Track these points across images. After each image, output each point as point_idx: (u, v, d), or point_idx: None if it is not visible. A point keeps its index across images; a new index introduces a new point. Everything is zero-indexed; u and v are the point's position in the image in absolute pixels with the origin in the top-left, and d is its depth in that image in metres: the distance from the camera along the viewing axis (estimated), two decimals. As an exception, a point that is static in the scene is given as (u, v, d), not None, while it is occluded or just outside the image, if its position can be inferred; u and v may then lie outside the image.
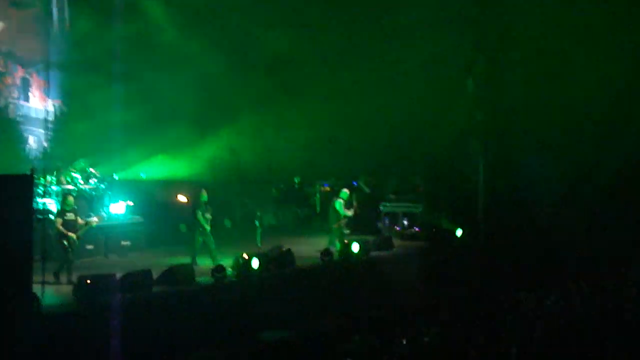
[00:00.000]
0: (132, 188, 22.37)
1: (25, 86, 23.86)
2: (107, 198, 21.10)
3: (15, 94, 23.23)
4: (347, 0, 27.12)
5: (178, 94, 24.52)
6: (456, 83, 26.88)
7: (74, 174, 20.79)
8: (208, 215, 19.81)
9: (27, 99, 23.43)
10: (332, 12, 27.17)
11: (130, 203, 21.41)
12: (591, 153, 26.11)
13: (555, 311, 14.80)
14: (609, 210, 25.15)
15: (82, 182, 20.81)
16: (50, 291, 15.04)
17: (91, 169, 21.36)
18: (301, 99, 27.06)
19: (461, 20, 26.73)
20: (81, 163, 21.44)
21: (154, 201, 23.58)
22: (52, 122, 23.78)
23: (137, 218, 21.18)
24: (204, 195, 19.62)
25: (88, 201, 20.35)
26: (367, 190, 26.06)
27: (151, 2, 24.18)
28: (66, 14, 24.30)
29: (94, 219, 17.82)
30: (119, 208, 21.08)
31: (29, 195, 14.39)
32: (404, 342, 12.60)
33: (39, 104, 23.69)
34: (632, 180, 26.23)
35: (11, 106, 23.21)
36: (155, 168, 24.15)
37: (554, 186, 25.78)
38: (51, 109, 23.66)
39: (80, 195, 19.89)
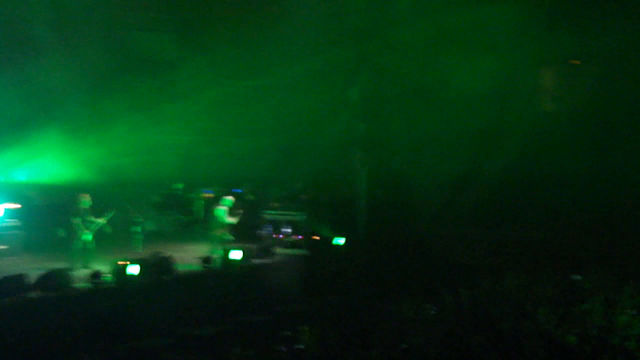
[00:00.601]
0: (11, 191, 21.81)
1: None
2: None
3: None
4: (235, 8, 27.26)
5: (59, 95, 24.17)
6: (340, 94, 27.34)
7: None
8: (93, 220, 19.66)
9: None
10: (220, 18, 27.31)
11: (17, 205, 20.93)
12: (469, 162, 26.94)
13: (432, 319, 15.13)
14: (488, 219, 25.95)
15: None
16: None
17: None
18: (185, 104, 27.04)
19: (346, 32, 27.23)
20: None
21: (33, 205, 23.05)
22: None
23: (14, 222, 20.66)
24: (85, 201, 19.34)
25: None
26: (251, 197, 26.00)
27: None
28: None
29: None
30: (-5, 211, 20.47)
31: None
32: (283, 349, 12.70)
33: None
34: (511, 187, 27.11)
35: None
36: (35, 171, 23.72)
37: (433, 195, 26.40)
38: None
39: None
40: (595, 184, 26.21)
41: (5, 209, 20.78)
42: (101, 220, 20.18)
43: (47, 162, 23.89)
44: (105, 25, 25.98)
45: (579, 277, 19.98)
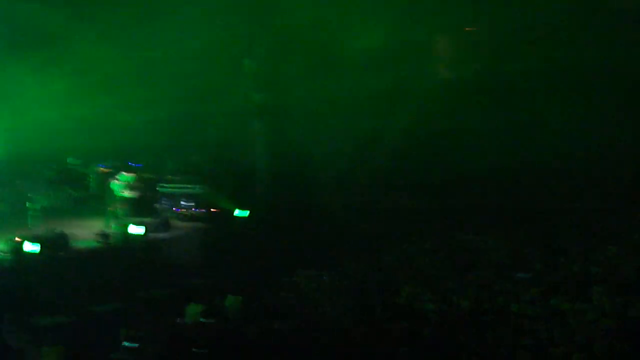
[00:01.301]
0: None
1: None
2: None
3: None
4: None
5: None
6: (236, 63, 27.63)
7: None
8: None
9: None
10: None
11: None
12: (368, 129, 27.54)
13: (334, 290, 15.54)
14: (388, 191, 26.53)
15: None
16: None
17: None
18: (78, 76, 26.82)
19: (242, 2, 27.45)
20: None
21: None
22: None
23: None
24: None
25: None
26: (147, 172, 26.05)
27: None
28: None
29: None
30: None
31: None
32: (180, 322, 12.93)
33: None
34: (412, 153, 27.79)
35: None
36: None
37: (333, 166, 26.88)
38: None
39: None
40: (494, 144, 27.09)
41: None
42: None
43: None
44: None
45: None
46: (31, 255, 18.20)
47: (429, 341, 12.04)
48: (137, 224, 21.75)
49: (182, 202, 25.59)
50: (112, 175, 24.00)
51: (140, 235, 21.43)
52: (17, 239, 18.44)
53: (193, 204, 25.65)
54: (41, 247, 18.66)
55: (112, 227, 21.71)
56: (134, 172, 24.48)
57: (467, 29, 29.65)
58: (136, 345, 11.90)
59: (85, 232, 21.36)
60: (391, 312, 13.48)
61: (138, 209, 23.93)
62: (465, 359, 11.36)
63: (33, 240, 18.54)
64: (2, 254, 18.09)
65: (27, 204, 22.63)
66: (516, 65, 27.61)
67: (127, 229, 21.26)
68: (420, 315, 13.27)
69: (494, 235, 20.12)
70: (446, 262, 17.57)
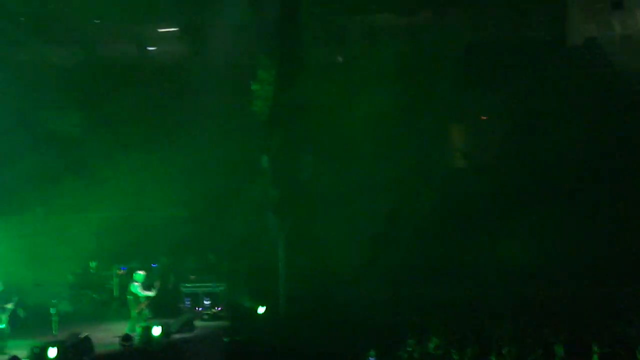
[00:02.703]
0: None
1: None
2: None
3: None
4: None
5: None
6: (253, 162, 28.49)
7: None
8: (9, 306, 19.92)
9: None
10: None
11: None
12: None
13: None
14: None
15: None
16: None
17: None
18: (93, 179, 27.68)
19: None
20: None
21: None
22: None
23: None
24: None
25: None
26: (167, 271, 26.77)
27: None
28: None
29: None
30: None
31: None
32: None
33: None
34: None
35: None
36: None
37: (351, 260, 27.19)
38: None
39: None
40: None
41: None
42: (10, 306, 20.26)
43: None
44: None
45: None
46: (53, 361, 18.35)
47: None
48: (159, 325, 21.58)
49: (204, 302, 25.86)
50: (133, 276, 23.78)
51: (163, 336, 21.31)
52: (38, 345, 18.52)
53: (213, 302, 25.90)
54: (64, 353, 18.57)
55: (135, 330, 21.61)
56: (153, 272, 24.80)
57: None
58: None
59: (109, 335, 21.40)
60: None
61: (161, 309, 24.06)
62: None
63: (55, 345, 18.50)
64: (24, 361, 18.13)
65: (51, 310, 22.54)
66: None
67: (150, 331, 21.11)
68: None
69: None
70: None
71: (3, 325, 20.55)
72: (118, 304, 25.98)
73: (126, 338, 20.56)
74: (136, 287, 22.60)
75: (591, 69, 30.09)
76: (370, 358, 19.79)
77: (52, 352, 18.23)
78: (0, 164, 26.30)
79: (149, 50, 32.88)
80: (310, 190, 28.79)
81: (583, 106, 29.12)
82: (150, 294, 22.70)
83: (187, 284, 26.26)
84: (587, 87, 29.63)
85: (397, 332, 22.64)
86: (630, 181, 28.28)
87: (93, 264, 28.22)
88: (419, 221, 28.92)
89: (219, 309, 25.62)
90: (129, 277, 24.84)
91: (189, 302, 26.19)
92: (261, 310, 25.24)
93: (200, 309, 25.84)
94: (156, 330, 21.24)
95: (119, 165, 28.78)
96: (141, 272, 23.11)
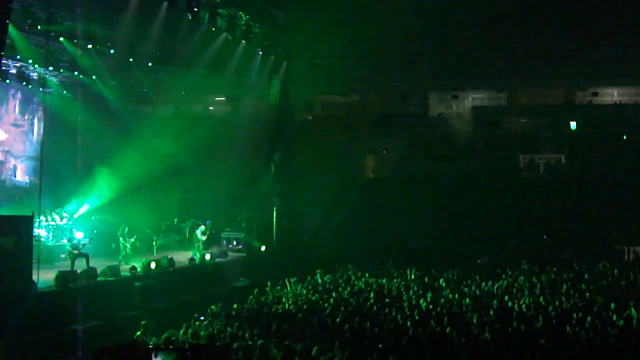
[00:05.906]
0: None
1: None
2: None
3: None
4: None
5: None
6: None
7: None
8: (132, 239, 26.24)
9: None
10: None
11: None
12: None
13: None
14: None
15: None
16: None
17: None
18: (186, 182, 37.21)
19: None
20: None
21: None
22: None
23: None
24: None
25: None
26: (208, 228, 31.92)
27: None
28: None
29: None
30: None
31: (31, 227, 19.82)
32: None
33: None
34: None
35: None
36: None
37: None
38: None
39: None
40: None
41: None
42: (133, 239, 26.30)
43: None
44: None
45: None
46: (154, 271, 24.51)
47: None
48: (210, 253, 29.36)
49: (233, 242, 34.09)
50: (197, 227, 31.24)
51: (211, 259, 28.95)
52: (146, 262, 24.63)
53: (238, 243, 34.25)
54: (157, 265, 24.52)
55: (197, 255, 28.75)
56: (208, 226, 31.70)
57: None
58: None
59: (183, 257, 28.44)
60: None
61: (210, 245, 31.55)
62: None
63: (155, 262, 24.91)
64: (138, 270, 23.92)
65: (153, 243, 29.49)
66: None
67: (204, 256, 28.75)
68: None
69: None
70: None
71: (129, 250, 26.85)
72: (188, 242, 32.97)
73: (192, 259, 27.95)
74: (198, 233, 30.26)
75: (439, 129, 41.34)
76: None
77: (153, 264, 24.82)
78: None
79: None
80: (298, 186, 37.90)
81: (434, 148, 39.71)
82: (205, 237, 30.12)
83: (225, 233, 34.27)
84: (436, 137, 40.34)
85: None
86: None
87: (176, 220, 35.98)
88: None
89: (241, 247, 33.81)
90: (194, 227, 31.81)
91: (225, 242, 33.87)
92: (263, 248, 33.97)
93: (230, 245, 33.51)
94: (207, 256, 28.92)
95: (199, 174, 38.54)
96: (202, 226, 30.49)
